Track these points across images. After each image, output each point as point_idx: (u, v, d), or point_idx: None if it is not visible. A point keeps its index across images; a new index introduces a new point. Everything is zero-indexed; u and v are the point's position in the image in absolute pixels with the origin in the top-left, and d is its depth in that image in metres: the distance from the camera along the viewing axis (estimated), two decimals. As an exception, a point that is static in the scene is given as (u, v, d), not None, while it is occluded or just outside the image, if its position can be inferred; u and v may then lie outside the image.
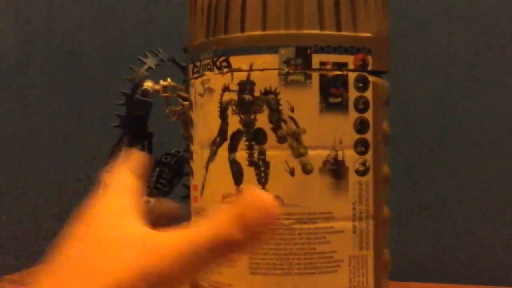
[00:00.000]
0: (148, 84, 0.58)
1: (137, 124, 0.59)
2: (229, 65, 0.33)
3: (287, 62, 0.32)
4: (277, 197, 0.31)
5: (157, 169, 0.57)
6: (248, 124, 0.32)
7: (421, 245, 0.81)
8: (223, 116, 0.33)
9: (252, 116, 0.32)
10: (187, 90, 0.38)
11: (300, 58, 0.32)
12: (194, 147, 0.36)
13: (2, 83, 0.97)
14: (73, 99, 0.95)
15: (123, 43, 0.92)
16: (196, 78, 0.35)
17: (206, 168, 0.34)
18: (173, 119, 0.56)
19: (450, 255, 0.80)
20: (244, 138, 0.32)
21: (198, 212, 0.35)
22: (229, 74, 0.33)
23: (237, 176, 0.32)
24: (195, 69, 0.35)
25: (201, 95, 0.35)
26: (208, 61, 0.34)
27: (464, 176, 0.79)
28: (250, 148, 0.32)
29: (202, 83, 0.34)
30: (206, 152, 0.34)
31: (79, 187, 0.93)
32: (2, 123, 0.97)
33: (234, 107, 0.33)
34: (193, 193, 0.36)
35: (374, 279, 0.34)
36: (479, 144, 0.79)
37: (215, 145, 0.33)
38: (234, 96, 0.33)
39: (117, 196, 0.32)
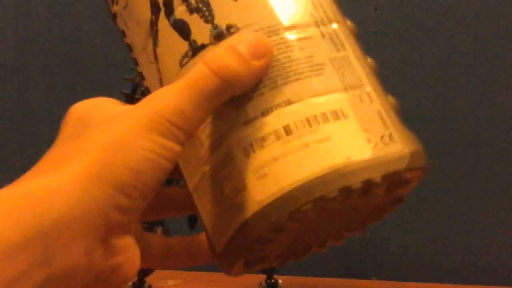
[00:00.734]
0: (148, 84, 0.58)
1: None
2: None
3: None
4: (230, 25, 0.30)
5: None
6: None
7: (422, 245, 0.81)
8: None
9: None
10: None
11: None
12: (142, 67, 0.34)
13: (2, 83, 0.97)
14: (73, 99, 0.95)
15: (123, 43, 0.92)
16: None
17: (155, 57, 0.32)
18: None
19: (450, 255, 0.80)
20: None
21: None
22: None
23: (185, 31, 0.31)
24: None
25: (121, 6, 0.34)
26: None
27: (464, 176, 0.79)
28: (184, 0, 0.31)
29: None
30: (150, 43, 0.33)
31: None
32: (2, 123, 0.97)
33: None
34: None
35: (366, 76, 0.32)
36: (479, 144, 0.79)
37: (153, 26, 0.32)
38: None
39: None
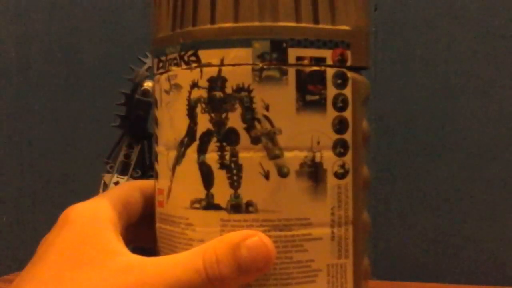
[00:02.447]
0: (148, 84, 0.58)
1: (137, 124, 0.59)
2: (198, 60, 0.30)
3: (261, 56, 0.30)
4: (250, 202, 0.30)
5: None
6: (219, 123, 0.30)
7: (421, 245, 0.81)
8: (191, 115, 0.31)
9: (224, 115, 0.30)
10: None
11: (275, 53, 0.30)
12: (159, 148, 0.33)
13: (2, 83, 0.97)
14: (73, 99, 0.95)
15: (123, 43, 0.92)
16: (161, 73, 0.33)
17: (173, 171, 0.32)
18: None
19: (450, 255, 0.80)
20: (214, 139, 0.30)
21: (165, 219, 0.33)
22: (198, 70, 0.30)
23: (207, 180, 0.30)
24: (160, 64, 0.33)
25: (167, 92, 0.32)
26: (175, 55, 0.31)
27: (464, 176, 0.79)
28: (221, 149, 0.30)
29: (168, 79, 0.32)
30: (173, 154, 0.32)
31: (79, 187, 0.93)
32: (2, 123, 0.97)
33: (203, 105, 0.30)
34: (158, 198, 0.34)
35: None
36: (479, 144, 0.79)
37: (182, 147, 0.31)
38: (203, 93, 0.30)
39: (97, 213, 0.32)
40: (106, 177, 0.58)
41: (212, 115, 0.30)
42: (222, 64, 0.30)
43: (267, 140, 0.30)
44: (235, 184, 0.30)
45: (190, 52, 0.31)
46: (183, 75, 0.31)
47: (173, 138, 0.32)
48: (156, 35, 0.34)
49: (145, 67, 0.59)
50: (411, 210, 0.81)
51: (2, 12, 0.97)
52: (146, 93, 0.58)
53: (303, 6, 0.30)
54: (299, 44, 0.30)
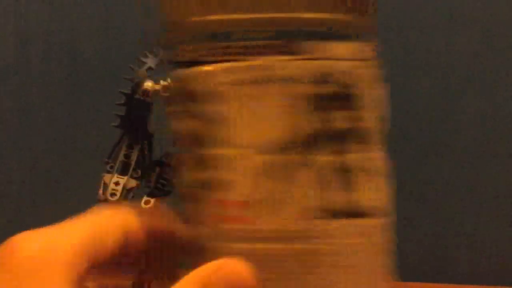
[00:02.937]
0: (148, 84, 0.58)
1: (137, 124, 0.59)
2: (303, 51, 0.27)
3: (368, 52, 0.28)
4: (373, 208, 0.28)
5: (157, 168, 0.57)
6: (333, 123, 0.27)
7: (421, 245, 0.81)
8: (296, 113, 0.27)
9: (339, 114, 0.27)
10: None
11: (373, 48, 0.28)
12: (231, 152, 0.28)
13: (2, 83, 0.97)
14: (73, 99, 0.95)
15: (123, 43, 0.92)
16: (219, 62, 0.28)
17: (270, 177, 0.27)
18: (173, 119, 0.56)
19: (450, 255, 0.80)
20: (329, 140, 0.27)
21: (258, 238, 0.27)
22: (305, 62, 0.27)
23: (325, 185, 0.27)
24: (215, 51, 0.28)
25: (241, 84, 0.27)
26: (261, 42, 0.27)
27: (464, 176, 0.79)
28: (337, 151, 0.27)
29: (250, 69, 0.27)
30: (262, 158, 0.27)
31: (79, 187, 0.93)
32: (2, 123, 0.97)
33: (313, 102, 0.27)
34: (232, 212, 0.28)
35: None
36: (479, 144, 0.79)
37: (285, 149, 0.27)
38: (311, 89, 0.27)
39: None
40: (106, 177, 0.58)
41: (325, 113, 0.27)
42: (334, 58, 0.27)
43: (383, 140, 0.29)
44: (363, 188, 0.28)
45: (293, 42, 0.27)
46: (282, 67, 0.27)
47: (265, 139, 0.27)
48: (200, 16, 0.28)
49: (145, 67, 0.59)
50: (411, 210, 0.81)
51: (2, 12, 0.97)
52: (146, 93, 0.58)
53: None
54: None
